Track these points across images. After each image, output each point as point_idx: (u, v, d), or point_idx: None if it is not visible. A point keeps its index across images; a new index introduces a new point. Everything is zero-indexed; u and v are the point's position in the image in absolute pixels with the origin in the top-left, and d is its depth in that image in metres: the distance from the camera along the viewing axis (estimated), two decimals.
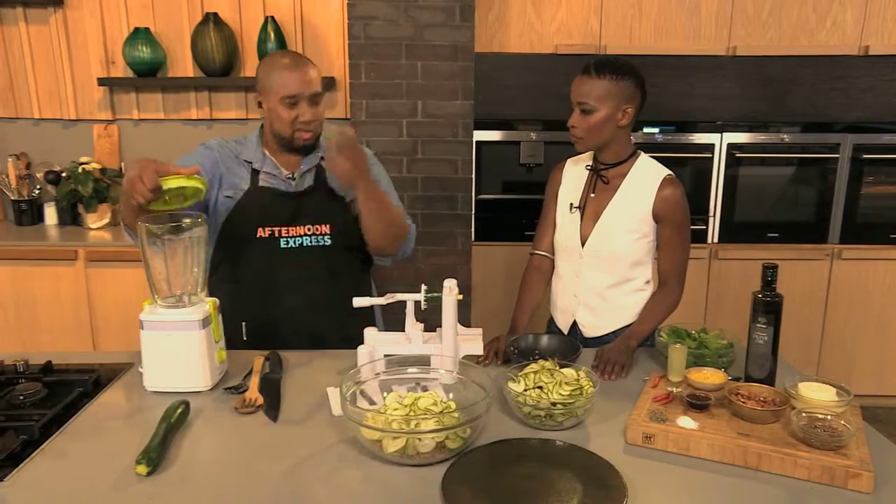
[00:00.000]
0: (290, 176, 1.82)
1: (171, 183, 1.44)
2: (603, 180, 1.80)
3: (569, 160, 1.93)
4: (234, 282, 1.81)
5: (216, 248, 1.82)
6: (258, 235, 1.78)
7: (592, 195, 1.82)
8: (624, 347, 1.67)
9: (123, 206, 1.62)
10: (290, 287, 1.78)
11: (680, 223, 1.78)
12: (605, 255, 1.80)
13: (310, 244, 1.81)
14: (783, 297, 1.47)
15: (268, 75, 1.74)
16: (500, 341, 1.71)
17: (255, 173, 1.81)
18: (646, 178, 1.78)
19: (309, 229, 1.80)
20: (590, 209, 1.82)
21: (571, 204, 1.85)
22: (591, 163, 1.84)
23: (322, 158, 1.84)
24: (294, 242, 1.80)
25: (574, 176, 1.89)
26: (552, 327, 1.96)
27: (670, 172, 1.78)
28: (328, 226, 1.82)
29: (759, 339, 1.48)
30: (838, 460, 1.16)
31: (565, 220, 1.86)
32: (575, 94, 1.72)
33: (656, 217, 1.76)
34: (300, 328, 1.80)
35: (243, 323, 1.80)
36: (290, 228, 1.79)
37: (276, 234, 1.79)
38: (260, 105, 1.79)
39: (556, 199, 1.91)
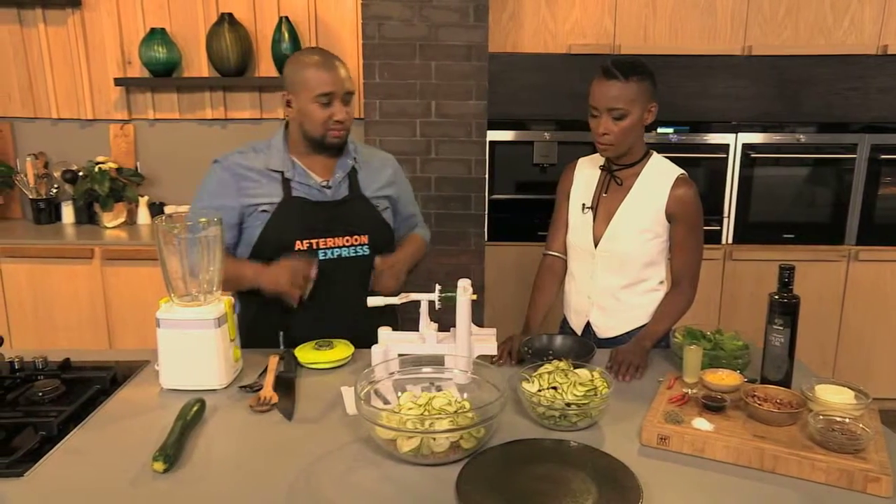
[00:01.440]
0: (326, 184, 1.79)
1: (325, 358, 1.64)
2: (617, 181, 1.80)
3: (580, 160, 1.92)
4: (272, 293, 1.76)
5: (251, 258, 1.77)
6: (297, 248, 1.74)
7: (605, 195, 1.82)
8: (638, 348, 1.67)
9: (234, 279, 1.72)
10: (328, 297, 1.74)
11: (693, 223, 1.77)
12: (618, 256, 1.79)
13: (348, 255, 1.78)
14: (800, 298, 1.46)
15: (300, 73, 1.69)
16: (514, 341, 1.71)
17: (286, 182, 1.76)
18: (659, 177, 1.77)
19: (347, 240, 1.78)
20: (602, 209, 1.81)
21: (584, 204, 1.84)
22: (603, 163, 1.84)
23: (355, 160, 1.83)
24: (332, 253, 1.77)
25: (586, 176, 1.88)
26: (565, 328, 1.96)
27: (683, 172, 1.77)
28: (366, 236, 1.80)
29: (775, 340, 1.47)
30: (857, 464, 1.15)
31: (578, 221, 1.86)
32: (602, 100, 1.67)
33: (669, 217, 1.76)
34: (338, 338, 1.73)
35: (280, 333, 1.76)
36: (328, 239, 1.76)
37: (315, 246, 1.75)
38: (289, 104, 1.74)
39: (567, 199, 1.90)
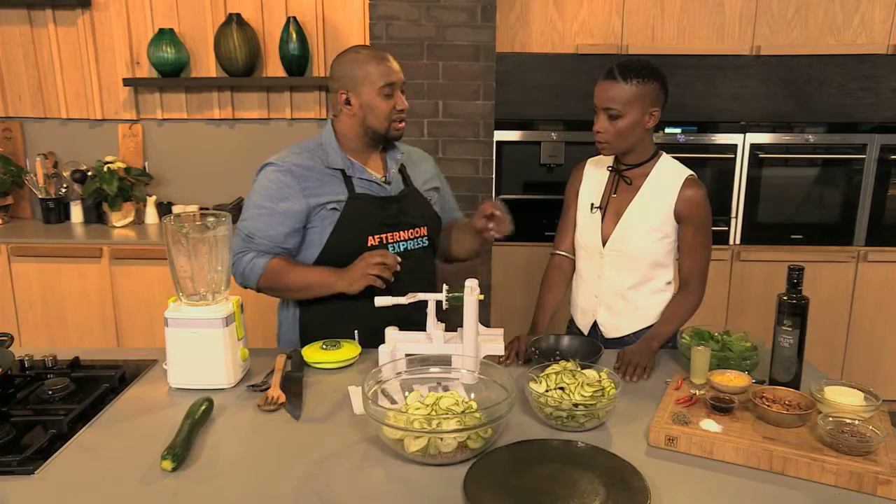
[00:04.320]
0: (385, 179, 1.81)
1: (331, 357, 1.64)
2: (626, 181, 1.79)
3: (589, 160, 1.92)
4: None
5: (320, 258, 1.76)
6: (369, 244, 1.75)
7: (614, 195, 1.82)
8: (646, 349, 1.66)
9: (316, 287, 1.70)
10: (399, 291, 1.71)
11: (702, 224, 1.76)
12: (626, 255, 1.79)
13: (412, 248, 1.81)
14: (809, 299, 1.45)
15: (360, 68, 1.71)
16: (521, 341, 1.71)
17: (348, 180, 1.76)
18: (668, 178, 1.77)
19: (411, 233, 1.81)
20: (611, 209, 1.81)
21: (592, 204, 1.84)
22: (612, 163, 1.84)
23: (402, 153, 1.86)
24: (399, 247, 1.79)
25: (595, 176, 1.88)
26: (572, 328, 1.95)
27: (692, 173, 1.77)
28: (425, 228, 1.84)
29: (784, 341, 1.46)
30: (867, 466, 1.14)
31: (586, 220, 1.86)
32: (600, 100, 1.70)
33: (678, 217, 1.75)
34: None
35: (356, 331, 1.77)
36: (395, 234, 1.79)
37: (385, 241, 1.77)
38: (348, 102, 1.74)
39: (576, 199, 1.90)
